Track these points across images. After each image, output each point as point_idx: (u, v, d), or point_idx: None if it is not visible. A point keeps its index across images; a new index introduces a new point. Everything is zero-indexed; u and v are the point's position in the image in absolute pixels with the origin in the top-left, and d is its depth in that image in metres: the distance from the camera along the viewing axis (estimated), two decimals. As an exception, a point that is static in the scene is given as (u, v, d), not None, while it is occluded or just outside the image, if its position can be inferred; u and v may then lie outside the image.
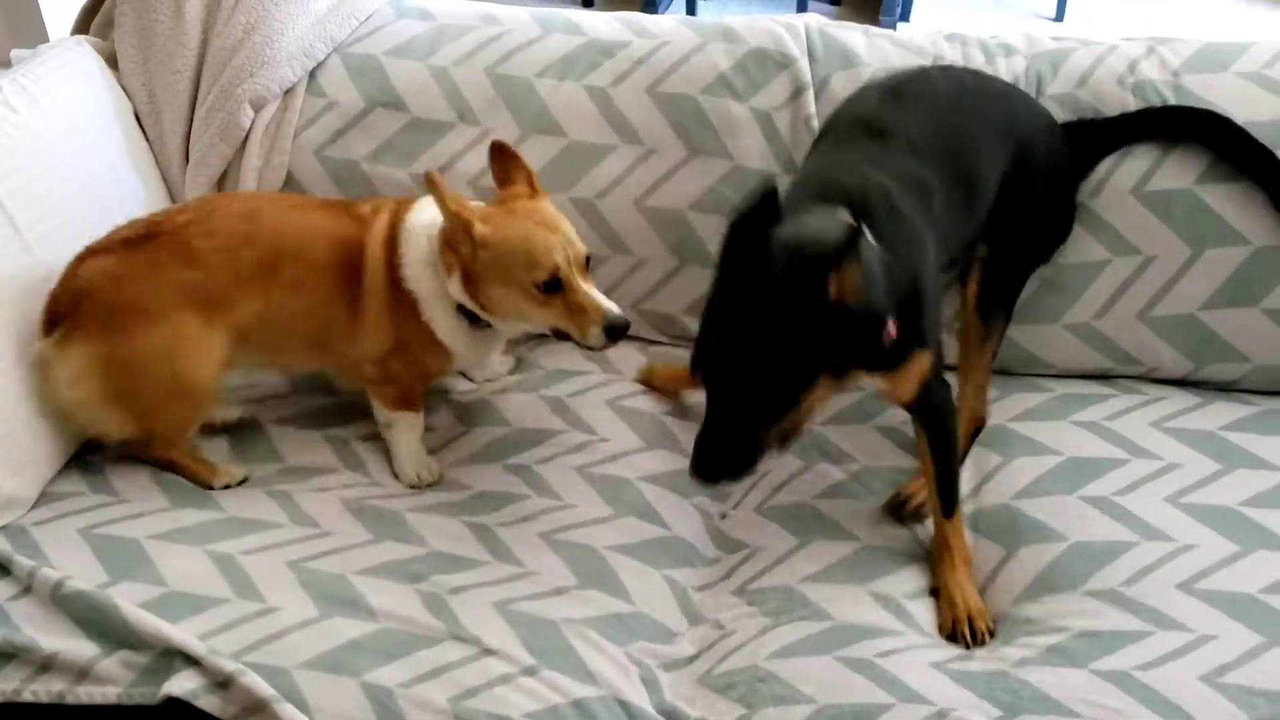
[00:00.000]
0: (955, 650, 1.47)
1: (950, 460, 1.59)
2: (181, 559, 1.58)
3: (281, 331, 1.75)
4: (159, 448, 1.75)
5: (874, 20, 4.99)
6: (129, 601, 1.47)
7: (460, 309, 1.72)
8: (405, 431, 1.78)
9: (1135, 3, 5.23)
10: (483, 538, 1.62)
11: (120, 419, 1.70)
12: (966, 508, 1.67)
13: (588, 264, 1.65)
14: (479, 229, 1.60)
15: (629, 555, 1.61)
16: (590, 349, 1.63)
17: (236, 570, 1.55)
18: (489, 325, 1.72)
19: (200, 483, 1.74)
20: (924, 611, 1.54)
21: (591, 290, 1.62)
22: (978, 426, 1.79)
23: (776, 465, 1.77)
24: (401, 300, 1.73)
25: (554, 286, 1.60)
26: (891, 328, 1.41)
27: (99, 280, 1.67)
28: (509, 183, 1.72)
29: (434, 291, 1.72)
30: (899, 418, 1.82)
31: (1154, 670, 1.37)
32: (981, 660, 1.45)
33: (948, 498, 1.58)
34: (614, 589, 1.56)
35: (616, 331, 1.61)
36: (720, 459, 1.39)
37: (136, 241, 1.70)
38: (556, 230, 1.63)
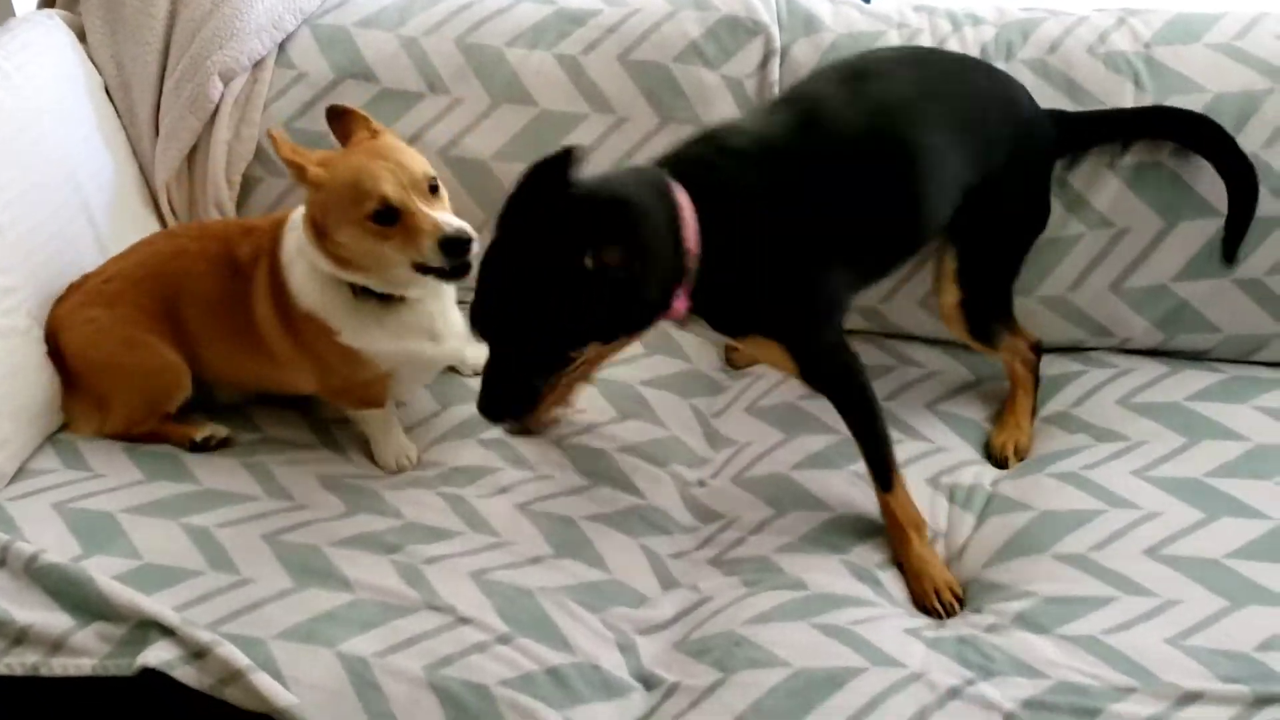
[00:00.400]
0: (928, 619, 1.49)
1: (868, 433, 1.58)
2: (156, 532, 1.58)
3: (220, 365, 1.78)
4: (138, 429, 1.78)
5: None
6: (104, 575, 1.46)
7: (356, 295, 1.64)
8: (378, 424, 1.74)
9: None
10: (458, 509, 1.63)
11: (99, 421, 1.78)
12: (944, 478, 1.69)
13: (435, 189, 1.56)
14: (313, 172, 1.55)
15: (605, 524, 1.62)
16: (438, 273, 1.53)
17: (211, 543, 1.56)
18: (384, 299, 1.63)
19: (182, 439, 1.76)
20: (896, 581, 1.56)
21: (430, 210, 1.52)
22: (1035, 348, 1.80)
23: (758, 436, 1.78)
24: (296, 317, 1.67)
25: (388, 216, 1.51)
26: (679, 304, 1.43)
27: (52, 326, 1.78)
28: (350, 137, 1.64)
29: (319, 287, 1.64)
30: (884, 391, 1.83)
31: (1121, 634, 1.39)
32: (953, 626, 1.47)
33: (879, 470, 1.57)
34: (590, 558, 1.56)
35: (453, 245, 1.50)
36: (501, 403, 1.44)
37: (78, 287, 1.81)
38: (387, 158, 1.54)
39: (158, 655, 1.37)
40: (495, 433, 1.76)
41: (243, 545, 1.56)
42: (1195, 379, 1.82)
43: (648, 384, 1.87)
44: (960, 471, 1.71)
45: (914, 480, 1.65)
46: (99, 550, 1.54)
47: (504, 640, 1.42)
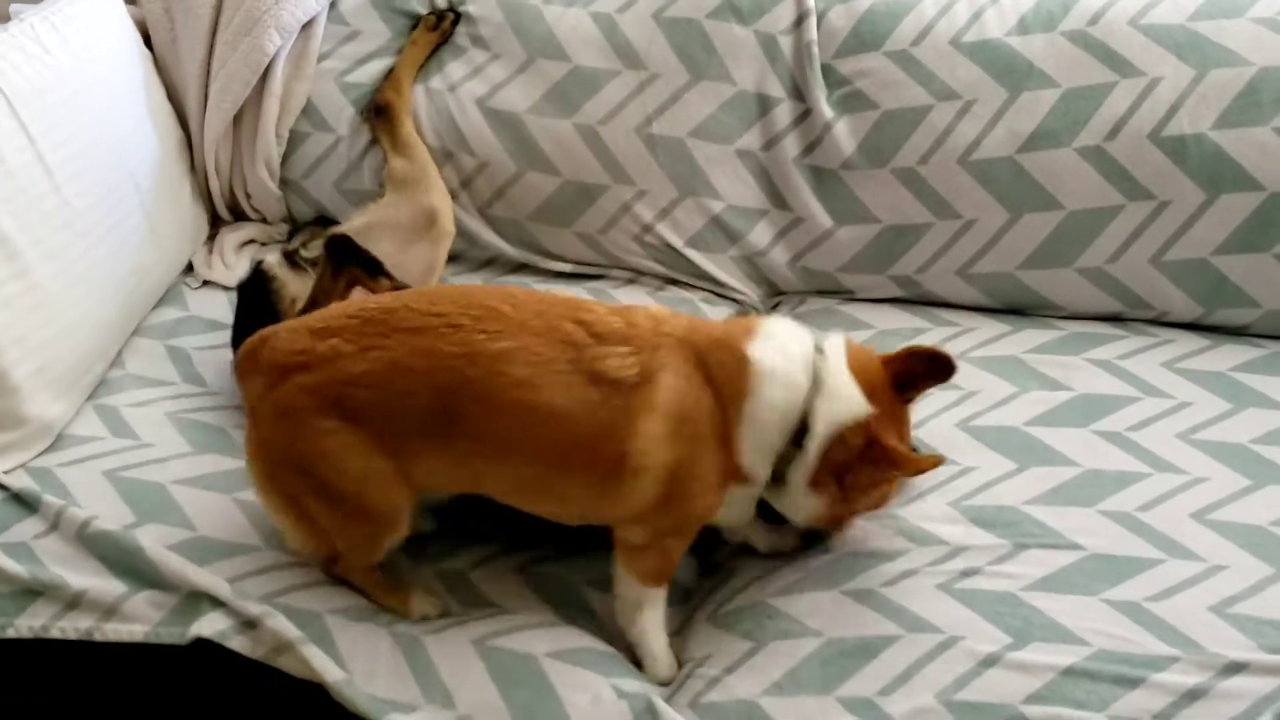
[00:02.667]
0: (957, 566, 1.43)
1: None
2: (209, 504, 1.58)
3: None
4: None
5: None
6: (157, 544, 1.46)
7: None
8: (653, 613, 1.42)
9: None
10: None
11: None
12: (979, 421, 1.67)
13: None
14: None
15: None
16: None
17: (264, 519, 1.54)
18: None
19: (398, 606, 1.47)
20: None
21: None
22: None
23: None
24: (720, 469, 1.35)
25: None
26: None
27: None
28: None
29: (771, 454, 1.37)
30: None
31: (1164, 601, 1.37)
32: (989, 577, 1.41)
33: None
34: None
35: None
36: None
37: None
38: None
39: (211, 625, 1.38)
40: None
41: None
42: (1237, 353, 1.81)
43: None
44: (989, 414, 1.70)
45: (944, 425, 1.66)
46: (152, 519, 1.54)
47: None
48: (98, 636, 1.41)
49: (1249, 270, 1.83)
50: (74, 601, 1.43)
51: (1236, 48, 1.82)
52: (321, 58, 2.09)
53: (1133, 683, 1.29)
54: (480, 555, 1.55)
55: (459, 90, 2.05)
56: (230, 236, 2.13)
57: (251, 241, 2.16)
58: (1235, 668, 1.30)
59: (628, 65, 1.99)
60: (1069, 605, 1.39)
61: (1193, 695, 1.27)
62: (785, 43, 1.97)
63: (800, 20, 1.97)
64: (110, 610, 1.42)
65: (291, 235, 2.11)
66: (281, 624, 1.36)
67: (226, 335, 1.87)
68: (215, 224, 2.20)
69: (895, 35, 1.92)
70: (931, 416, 1.71)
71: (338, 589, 1.46)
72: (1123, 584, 1.41)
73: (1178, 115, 1.82)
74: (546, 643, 1.39)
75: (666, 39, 1.99)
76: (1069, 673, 1.31)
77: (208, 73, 2.09)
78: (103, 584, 1.44)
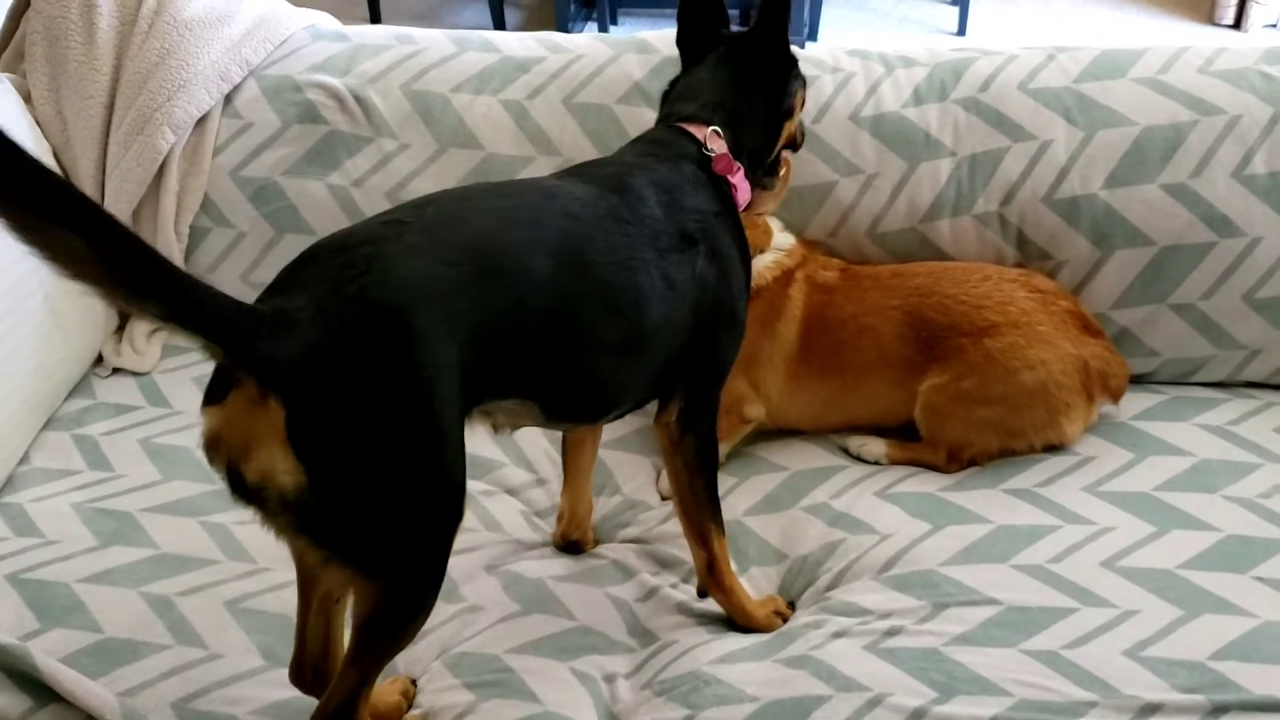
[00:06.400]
0: (881, 626, 1.51)
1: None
2: (115, 602, 1.57)
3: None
4: None
5: (782, 39, 5.11)
6: (53, 655, 1.45)
7: None
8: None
9: (1034, 18, 5.45)
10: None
11: None
12: (896, 488, 1.77)
13: None
14: None
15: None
16: None
17: (173, 613, 1.56)
18: None
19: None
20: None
21: None
22: None
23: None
24: None
25: None
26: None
27: None
28: None
29: None
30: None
31: (1080, 648, 1.45)
32: (912, 636, 1.49)
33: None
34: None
35: None
36: None
37: None
38: None
39: None
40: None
41: (208, 614, 1.56)
42: (1139, 400, 1.92)
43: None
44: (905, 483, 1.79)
45: (861, 493, 1.76)
46: (58, 623, 1.53)
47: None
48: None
49: (1146, 321, 1.95)
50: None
51: (1121, 108, 1.94)
52: (217, 151, 2.11)
53: (1055, 729, 1.36)
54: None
55: (366, 184, 2.07)
56: (141, 325, 2.13)
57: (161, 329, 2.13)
58: (1150, 709, 1.38)
59: (541, 151, 2.05)
60: (989, 658, 1.46)
61: (1112, 739, 1.35)
62: (694, 125, 2.03)
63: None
64: (17, 726, 1.40)
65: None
66: None
67: (135, 417, 1.92)
68: (124, 317, 2.18)
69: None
70: (850, 487, 1.79)
71: (258, 689, 1.47)
72: (1039, 634, 1.49)
73: (1069, 177, 1.92)
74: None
75: (578, 124, 2.05)
76: (994, 724, 1.38)
77: (103, 172, 2.12)
78: (6, 699, 1.41)
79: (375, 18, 5.55)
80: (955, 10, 5.25)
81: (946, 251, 1.97)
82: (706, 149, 1.54)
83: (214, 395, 1.17)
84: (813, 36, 5.20)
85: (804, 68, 2.01)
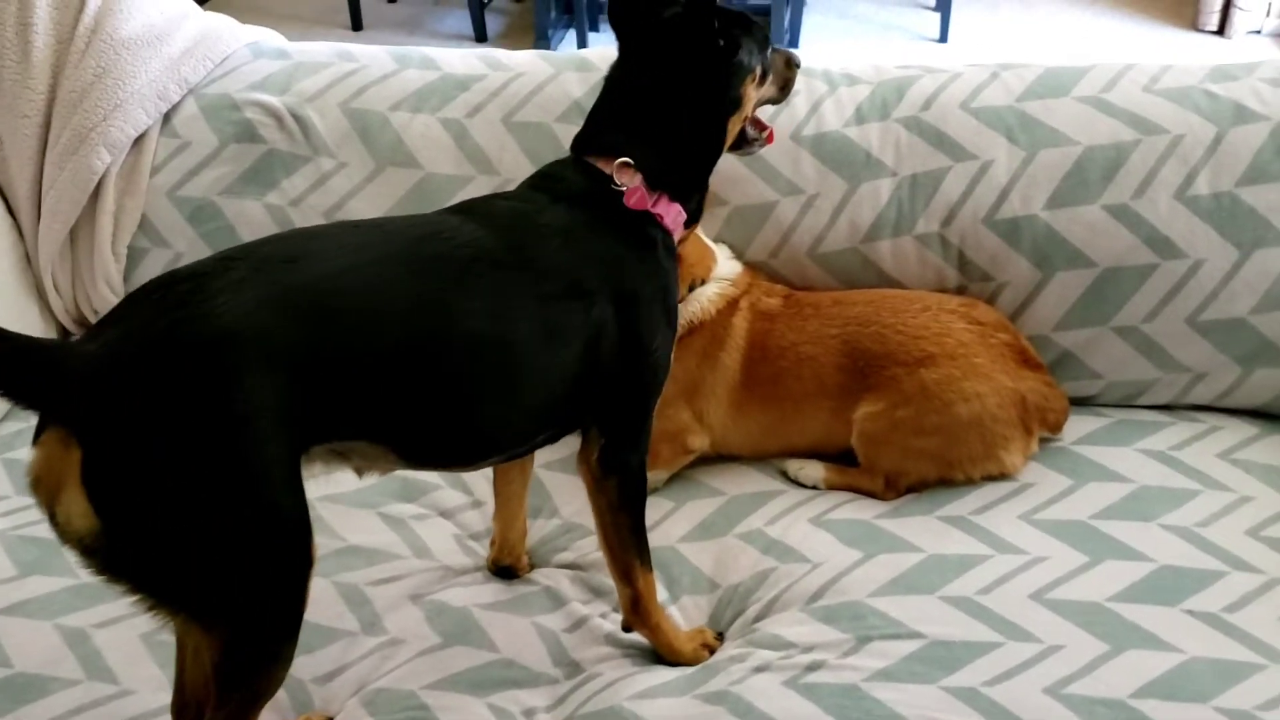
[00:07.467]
0: (804, 660, 1.49)
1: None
2: (29, 634, 1.55)
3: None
4: None
5: (763, 46, 5.10)
6: None
7: None
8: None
9: (1016, 25, 5.42)
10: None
11: None
12: (831, 515, 1.75)
13: None
14: None
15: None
16: None
17: (87, 645, 1.54)
18: None
19: None
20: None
21: None
22: None
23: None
24: None
25: None
26: None
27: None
28: None
29: None
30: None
31: (1000, 686, 1.42)
32: (833, 671, 1.47)
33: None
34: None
35: None
36: None
37: None
38: None
39: None
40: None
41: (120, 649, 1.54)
42: (1083, 424, 1.88)
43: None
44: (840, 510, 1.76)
45: (795, 520, 1.74)
46: None
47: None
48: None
49: (1089, 343, 1.92)
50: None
51: (1063, 127, 1.91)
52: (155, 171, 2.09)
53: (968, 769, 1.34)
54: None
55: (303, 203, 2.04)
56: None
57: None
58: (1067, 748, 1.35)
59: (480, 170, 2.02)
60: (908, 695, 1.44)
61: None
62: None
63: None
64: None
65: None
66: None
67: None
68: (66, 337, 2.16)
69: (737, 132, 1.96)
70: (785, 513, 1.77)
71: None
72: (961, 670, 1.47)
73: (1010, 198, 1.89)
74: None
75: (518, 143, 2.02)
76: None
77: (40, 193, 2.09)
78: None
79: (357, 25, 5.54)
80: (938, 17, 5.23)
81: (888, 272, 1.94)
82: (615, 184, 1.47)
83: (37, 433, 1.14)
84: (794, 43, 5.18)
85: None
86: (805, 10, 5.51)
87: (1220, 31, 5.17)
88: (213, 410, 1.11)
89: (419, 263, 1.29)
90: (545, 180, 1.51)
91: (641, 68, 1.53)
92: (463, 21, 5.56)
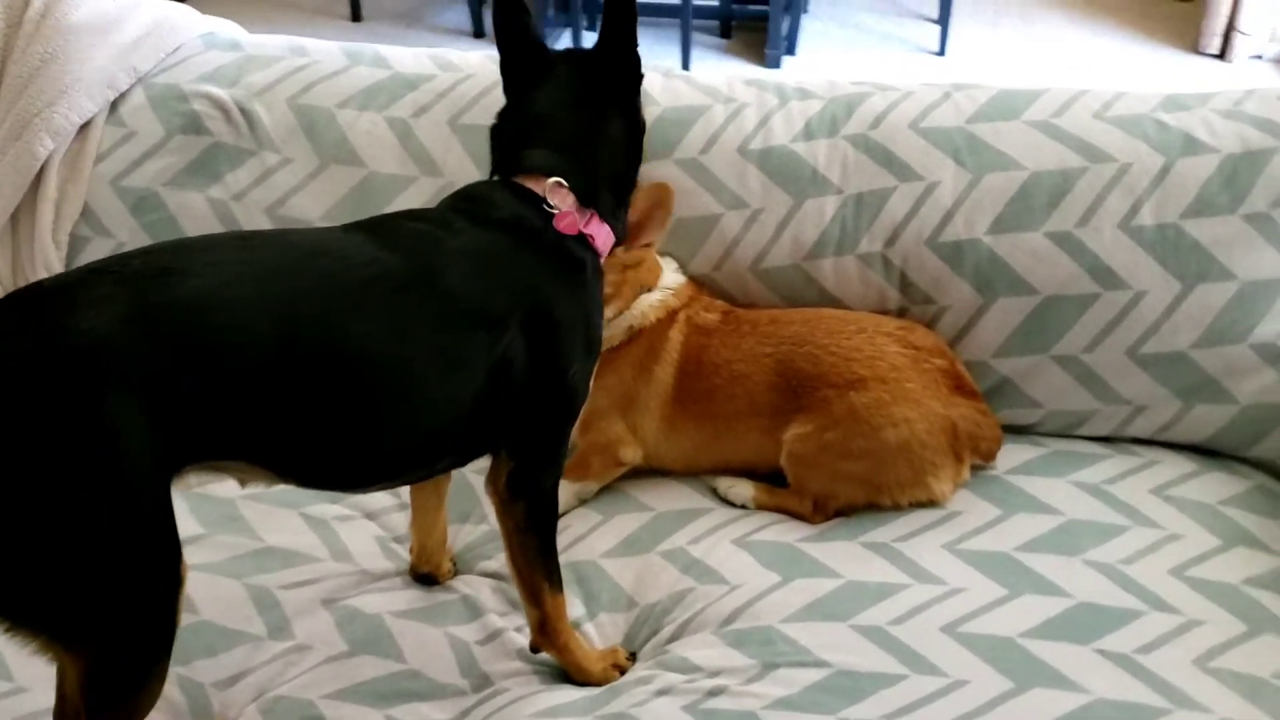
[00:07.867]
0: (706, 685, 1.47)
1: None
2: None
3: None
4: None
5: (761, 53, 5.08)
6: None
7: None
8: None
9: (1016, 41, 5.38)
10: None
11: None
12: (756, 536, 1.72)
13: None
14: None
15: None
16: None
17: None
18: None
19: None
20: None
21: None
22: None
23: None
24: None
25: None
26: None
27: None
28: None
29: None
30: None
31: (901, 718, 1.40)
32: (734, 697, 1.45)
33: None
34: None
35: None
36: None
37: None
38: None
39: None
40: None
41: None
42: (1019, 453, 1.85)
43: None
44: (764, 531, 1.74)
45: (720, 539, 1.71)
46: None
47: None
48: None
49: (1028, 371, 1.89)
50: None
51: (1011, 151, 1.87)
52: (99, 159, 2.07)
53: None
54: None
55: (246, 198, 2.03)
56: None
57: None
58: (964, 789, 1.31)
59: (424, 172, 2.00)
60: None
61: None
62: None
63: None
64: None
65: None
66: None
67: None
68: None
69: (685, 143, 1.95)
70: (710, 532, 1.75)
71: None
72: (862, 702, 1.45)
73: (954, 220, 1.86)
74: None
75: (462, 146, 2.00)
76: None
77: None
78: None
79: (356, 16, 5.53)
80: (937, 30, 5.20)
81: (830, 291, 1.92)
82: (547, 206, 1.45)
83: None
84: (790, 51, 5.15)
85: (695, 96, 2.00)
86: (806, 18, 5.49)
87: (1221, 55, 5.12)
88: (73, 427, 1.09)
89: (305, 280, 1.25)
90: (469, 202, 1.47)
91: (564, 91, 1.53)
92: (462, 15, 5.54)
